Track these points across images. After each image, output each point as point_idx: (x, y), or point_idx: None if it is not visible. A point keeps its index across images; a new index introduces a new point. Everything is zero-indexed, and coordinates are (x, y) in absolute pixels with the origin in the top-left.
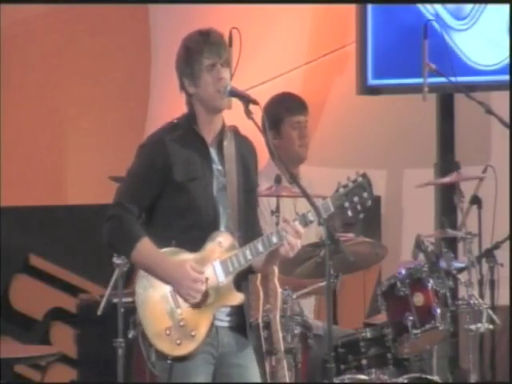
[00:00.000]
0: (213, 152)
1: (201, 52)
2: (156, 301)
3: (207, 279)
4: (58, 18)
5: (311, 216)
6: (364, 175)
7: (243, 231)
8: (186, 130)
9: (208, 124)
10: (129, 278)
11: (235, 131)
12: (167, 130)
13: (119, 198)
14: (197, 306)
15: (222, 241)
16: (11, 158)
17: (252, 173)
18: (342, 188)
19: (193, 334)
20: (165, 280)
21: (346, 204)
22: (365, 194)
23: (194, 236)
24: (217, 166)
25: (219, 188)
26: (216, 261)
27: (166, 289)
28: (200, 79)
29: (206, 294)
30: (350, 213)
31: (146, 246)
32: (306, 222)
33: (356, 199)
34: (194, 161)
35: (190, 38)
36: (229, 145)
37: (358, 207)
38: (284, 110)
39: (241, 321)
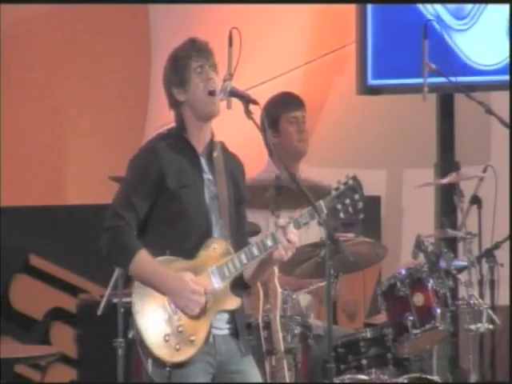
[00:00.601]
0: (203, 162)
1: (189, 56)
2: (153, 309)
3: (206, 293)
4: (58, 18)
5: (304, 219)
6: (354, 178)
7: (234, 240)
8: (176, 139)
9: (198, 132)
10: (129, 278)
11: (223, 146)
12: (158, 140)
13: (116, 208)
14: (195, 317)
15: (217, 247)
16: (11, 158)
17: (241, 186)
18: (333, 191)
19: (192, 339)
20: (163, 292)
21: (338, 206)
22: (356, 196)
23: (188, 244)
24: (207, 176)
25: (211, 197)
26: (212, 266)
27: (163, 296)
28: (189, 82)
29: (204, 308)
30: (342, 215)
31: (143, 259)
32: (299, 225)
33: (347, 201)
34: (185, 169)
35: (176, 49)
36: (218, 157)
37: (350, 209)
38: (280, 108)
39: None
